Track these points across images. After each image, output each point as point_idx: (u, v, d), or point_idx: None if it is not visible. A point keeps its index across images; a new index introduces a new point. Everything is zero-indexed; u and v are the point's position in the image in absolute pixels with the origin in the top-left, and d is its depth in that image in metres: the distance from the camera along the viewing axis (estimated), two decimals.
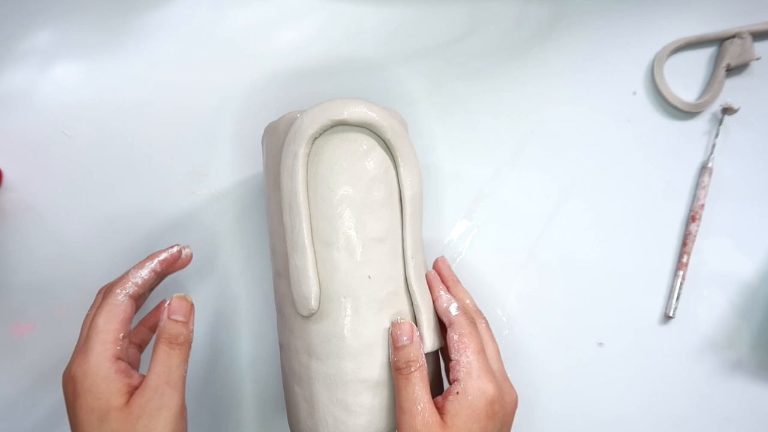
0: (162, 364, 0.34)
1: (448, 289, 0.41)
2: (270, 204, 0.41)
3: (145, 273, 0.37)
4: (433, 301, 0.39)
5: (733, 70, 0.49)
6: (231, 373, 0.47)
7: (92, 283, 0.47)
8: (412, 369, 0.35)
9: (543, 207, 0.48)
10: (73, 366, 0.34)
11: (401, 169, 0.39)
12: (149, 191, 0.49)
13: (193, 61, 0.51)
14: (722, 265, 0.47)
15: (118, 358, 0.34)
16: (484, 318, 0.41)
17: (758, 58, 0.49)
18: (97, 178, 0.49)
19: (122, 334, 0.35)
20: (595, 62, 0.50)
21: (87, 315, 0.37)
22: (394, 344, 0.36)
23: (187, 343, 0.36)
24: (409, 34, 0.51)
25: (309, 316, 0.37)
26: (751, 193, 0.48)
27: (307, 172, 0.38)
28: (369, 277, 0.37)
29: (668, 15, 0.51)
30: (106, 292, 0.37)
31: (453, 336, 0.37)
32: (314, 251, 0.38)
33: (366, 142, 0.38)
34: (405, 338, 0.36)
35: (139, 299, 0.38)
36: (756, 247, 0.48)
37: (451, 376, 0.36)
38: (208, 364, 0.47)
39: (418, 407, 0.34)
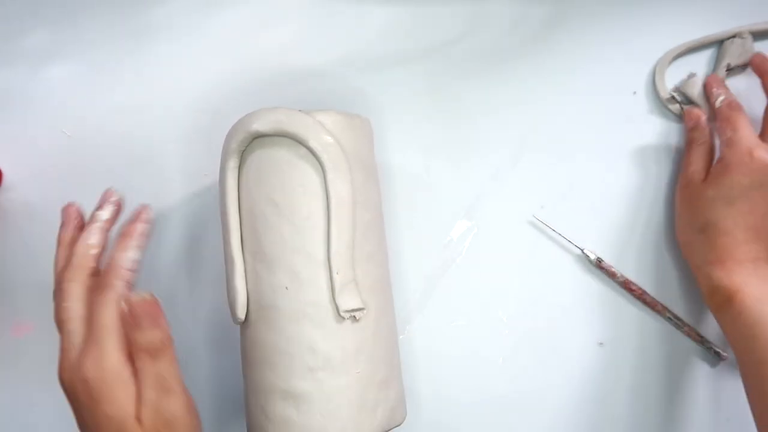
0: (151, 376, 0.32)
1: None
2: None
3: (132, 254, 0.34)
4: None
5: (733, 70, 0.49)
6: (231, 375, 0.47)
7: None
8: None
9: (543, 206, 0.48)
10: (85, 368, 0.31)
11: (328, 178, 0.37)
12: (149, 191, 0.49)
13: (192, 60, 0.51)
14: None
15: (129, 360, 0.32)
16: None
17: None
18: (98, 178, 0.49)
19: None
20: (595, 62, 0.50)
21: (63, 307, 0.34)
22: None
23: (168, 344, 0.33)
24: (409, 34, 0.51)
25: (238, 325, 0.40)
26: None
27: (237, 184, 0.39)
28: (286, 288, 0.37)
29: (668, 14, 0.51)
30: (100, 283, 0.33)
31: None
32: (244, 262, 0.39)
33: (287, 152, 0.38)
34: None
35: None
36: None
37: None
38: (206, 365, 0.47)
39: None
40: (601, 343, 0.47)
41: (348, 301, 0.37)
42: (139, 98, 0.50)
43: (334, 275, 0.37)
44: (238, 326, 0.41)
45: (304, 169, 0.38)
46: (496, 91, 0.50)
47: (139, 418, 0.31)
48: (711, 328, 0.46)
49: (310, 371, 0.36)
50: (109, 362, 0.31)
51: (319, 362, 0.36)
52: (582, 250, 0.47)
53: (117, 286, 0.33)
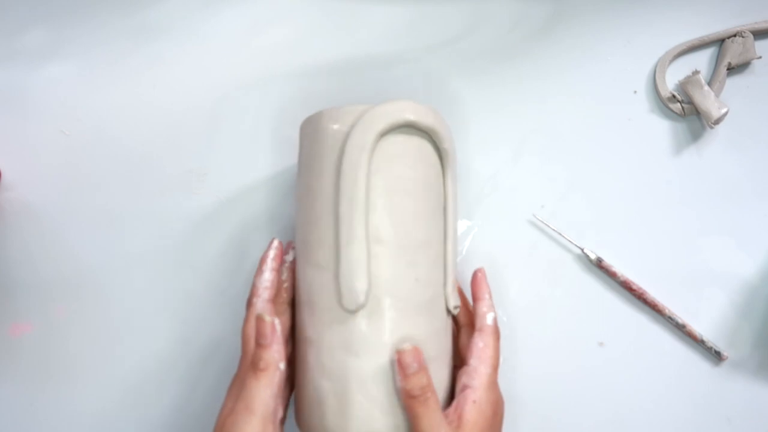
0: (246, 388, 0.36)
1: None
2: (312, 194, 0.39)
3: (267, 275, 0.39)
4: (475, 300, 0.41)
5: (734, 69, 0.49)
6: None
7: (91, 283, 0.48)
8: (428, 395, 0.35)
9: (543, 206, 0.48)
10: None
11: (448, 178, 0.40)
12: (148, 190, 0.49)
13: (192, 60, 0.50)
14: (723, 264, 0.47)
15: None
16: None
17: (759, 57, 0.49)
18: (97, 177, 0.49)
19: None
20: (596, 61, 0.50)
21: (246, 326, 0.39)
22: (404, 372, 0.35)
23: (268, 369, 0.36)
24: (409, 33, 0.51)
25: (354, 311, 0.37)
26: (753, 191, 0.48)
27: (370, 166, 0.38)
28: (416, 279, 0.38)
29: (669, 13, 0.51)
30: (247, 303, 0.39)
31: (479, 343, 0.38)
32: (367, 249, 0.37)
33: (427, 147, 0.39)
34: (415, 365, 0.35)
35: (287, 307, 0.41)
36: (757, 247, 0.48)
37: (463, 380, 0.37)
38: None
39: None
40: (601, 343, 0.47)
41: (455, 297, 0.40)
42: (138, 98, 0.50)
43: (449, 271, 0.39)
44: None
45: (433, 165, 0.40)
46: (496, 91, 0.50)
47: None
48: (711, 328, 0.46)
49: (428, 362, 0.36)
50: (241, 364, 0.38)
51: (434, 355, 0.37)
52: (582, 250, 0.47)
53: (255, 304, 0.39)
